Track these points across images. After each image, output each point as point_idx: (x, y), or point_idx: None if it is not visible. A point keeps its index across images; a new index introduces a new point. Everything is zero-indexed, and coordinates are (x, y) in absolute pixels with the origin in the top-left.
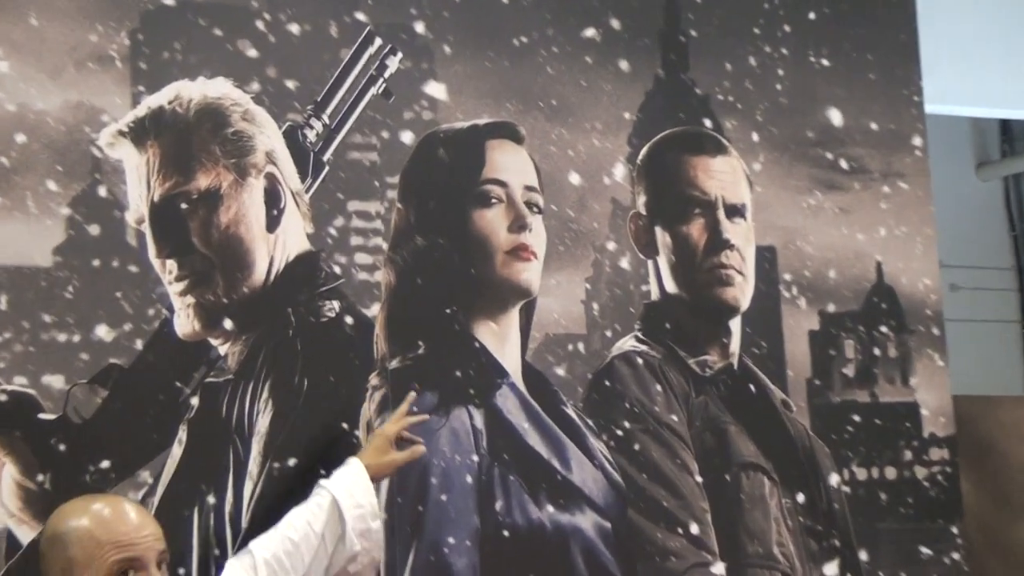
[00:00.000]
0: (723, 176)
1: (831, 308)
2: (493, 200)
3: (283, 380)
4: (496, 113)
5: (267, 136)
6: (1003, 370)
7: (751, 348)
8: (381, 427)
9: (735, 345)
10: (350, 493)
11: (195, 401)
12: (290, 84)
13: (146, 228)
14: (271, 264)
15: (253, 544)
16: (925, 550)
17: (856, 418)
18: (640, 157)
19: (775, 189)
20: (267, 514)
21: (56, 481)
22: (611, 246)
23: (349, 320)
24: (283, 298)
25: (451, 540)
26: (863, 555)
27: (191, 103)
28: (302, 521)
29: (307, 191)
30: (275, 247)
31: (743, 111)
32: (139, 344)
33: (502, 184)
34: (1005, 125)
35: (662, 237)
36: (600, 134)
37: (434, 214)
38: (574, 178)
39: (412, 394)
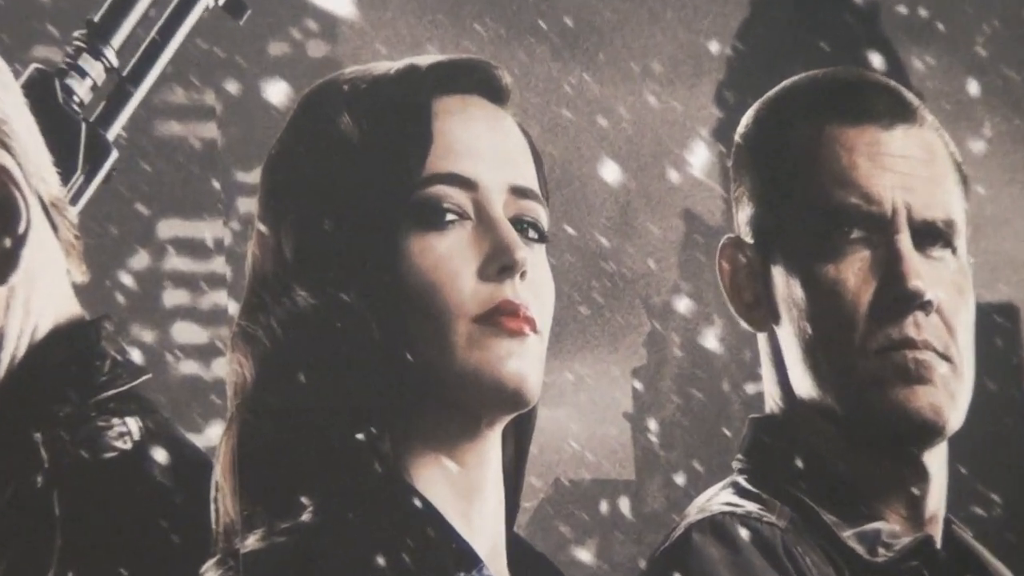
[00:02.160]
0: (908, 166)
1: None
2: (450, 217)
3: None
4: (455, 42)
5: None
6: None
7: (972, 505)
8: None
9: (936, 501)
10: None
11: None
12: None
13: None
14: None
15: None
16: None
17: None
18: (741, 130)
19: (1016, 189)
20: None
21: None
22: (682, 304)
23: (160, 456)
24: (23, 413)
25: None
26: None
27: None
28: None
29: (74, 199)
30: (6, 311)
31: (949, 37)
32: None
33: (466, 184)
34: None
35: (785, 287)
36: (660, 83)
37: (332, 244)
38: (608, 170)
39: None
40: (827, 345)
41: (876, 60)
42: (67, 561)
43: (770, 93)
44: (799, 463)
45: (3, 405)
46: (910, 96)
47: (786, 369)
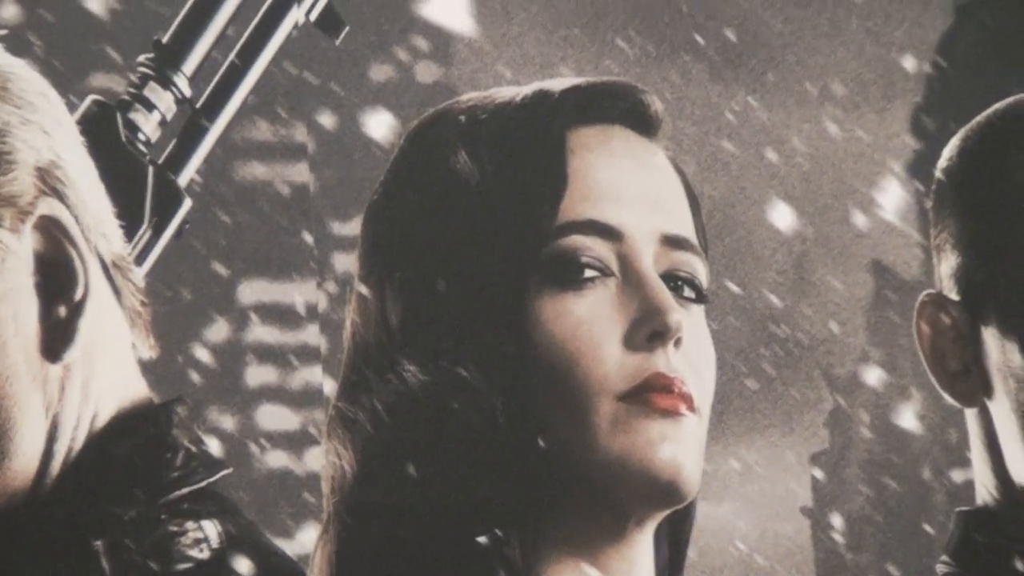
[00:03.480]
0: None
1: None
2: (590, 273)
3: None
4: (594, 62)
5: (41, 129)
6: None
7: None
8: None
9: None
10: None
11: None
12: (96, 7)
13: None
14: (51, 436)
15: None
16: None
17: None
18: (943, 163)
19: None
20: None
21: None
22: (871, 376)
23: (243, 567)
24: (81, 516)
25: None
26: None
27: None
28: None
29: (140, 257)
30: (62, 395)
31: None
32: None
33: (609, 233)
34: None
35: (1000, 353)
36: (843, 108)
37: (447, 308)
38: (780, 214)
39: None
40: None
41: None
42: None
43: (979, 118)
44: (1020, 565)
45: (58, 507)
46: None
47: (1001, 452)
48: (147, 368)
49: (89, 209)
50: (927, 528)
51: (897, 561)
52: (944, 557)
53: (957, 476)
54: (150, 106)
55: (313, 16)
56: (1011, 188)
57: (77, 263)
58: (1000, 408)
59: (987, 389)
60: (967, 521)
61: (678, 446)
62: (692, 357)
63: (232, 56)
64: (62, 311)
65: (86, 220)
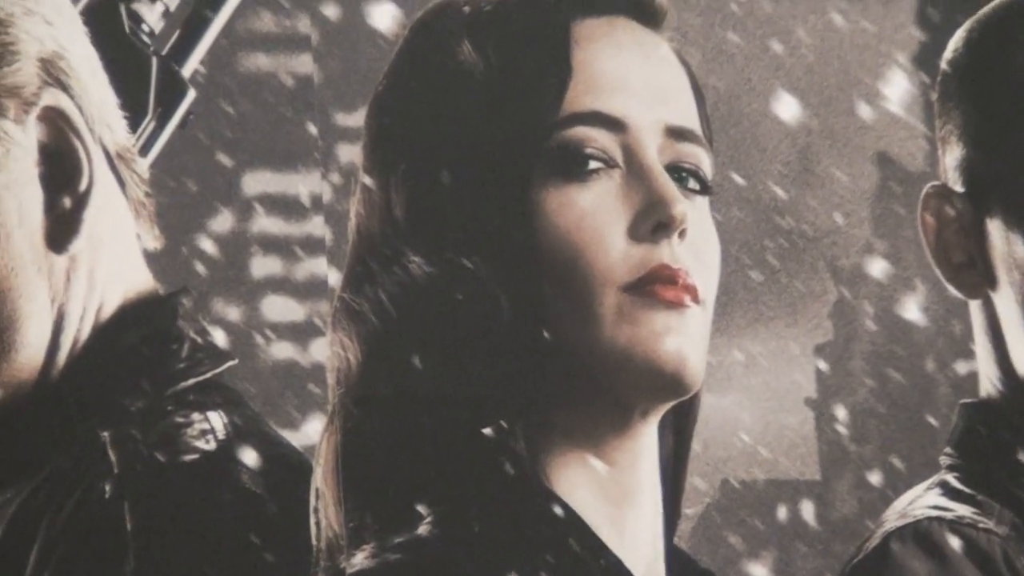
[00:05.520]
0: None
1: None
2: (594, 164)
3: None
4: None
5: (43, 20)
6: None
7: None
8: None
9: None
10: None
11: None
12: None
13: None
14: (58, 327)
15: None
16: None
17: None
18: (949, 55)
19: None
20: None
21: None
22: (876, 267)
23: (249, 458)
24: (88, 407)
25: None
26: None
27: None
28: None
29: (144, 148)
30: (67, 286)
31: None
32: None
33: (614, 124)
34: None
35: (1005, 244)
36: None
37: (452, 199)
38: (785, 106)
39: None
40: None
41: None
42: None
43: (985, 9)
44: (1023, 457)
45: (64, 399)
46: None
47: (1005, 343)
48: (152, 259)
49: (93, 100)
50: (931, 420)
51: (900, 453)
52: (947, 449)
53: (961, 368)
54: None
55: None
56: (1016, 80)
57: (81, 154)
58: (1004, 300)
59: (991, 281)
60: (970, 413)
61: (682, 338)
62: (697, 248)
63: None
64: (67, 202)
65: (90, 111)
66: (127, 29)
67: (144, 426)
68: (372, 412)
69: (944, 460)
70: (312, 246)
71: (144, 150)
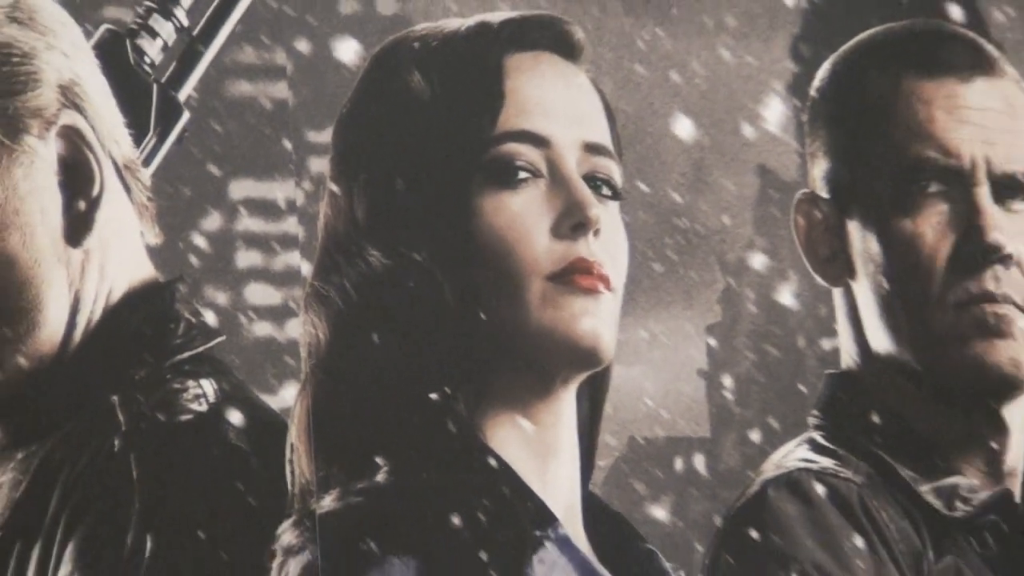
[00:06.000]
0: (987, 119)
1: None
2: (523, 175)
3: (102, 538)
4: None
5: (62, 53)
6: None
7: None
8: None
9: (1015, 455)
10: None
11: None
12: None
13: None
14: (74, 309)
15: None
16: None
17: None
18: (816, 84)
19: None
20: None
21: None
22: (756, 261)
23: (235, 418)
24: (100, 376)
25: None
26: None
27: None
28: None
29: (147, 160)
30: (82, 275)
31: None
32: None
33: (539, 141)
34: None
35: (862, 242)
36: (735, 37)
37: (404, 203)
38: (682, 126)
39: None
40: (904, 300)
41: (955, 11)
42: (145, 523)
43: (846, 46)
44: (875, 418)
45: (80, 368)
46: (990, 48)
47: (862, 324)
48: (153, 252)
49: (104, 120)
50: (801, 388)
51: (777, 415)
52: (814, 411)
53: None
54: (154, 34)
55: None
56: (867, 104)
57: (94, 165)
58: (861, 288)
59: (851, 272)
60: (834, 382)
61: (597, 319)
62: (609, 245)
63: None
64: (82, 205)
65: (101, 129)
66: (132, 61)
67: (147, 391)
68: (338, 380)
69: (811, 421)
70: (287, 242)
71: (146, 162)
